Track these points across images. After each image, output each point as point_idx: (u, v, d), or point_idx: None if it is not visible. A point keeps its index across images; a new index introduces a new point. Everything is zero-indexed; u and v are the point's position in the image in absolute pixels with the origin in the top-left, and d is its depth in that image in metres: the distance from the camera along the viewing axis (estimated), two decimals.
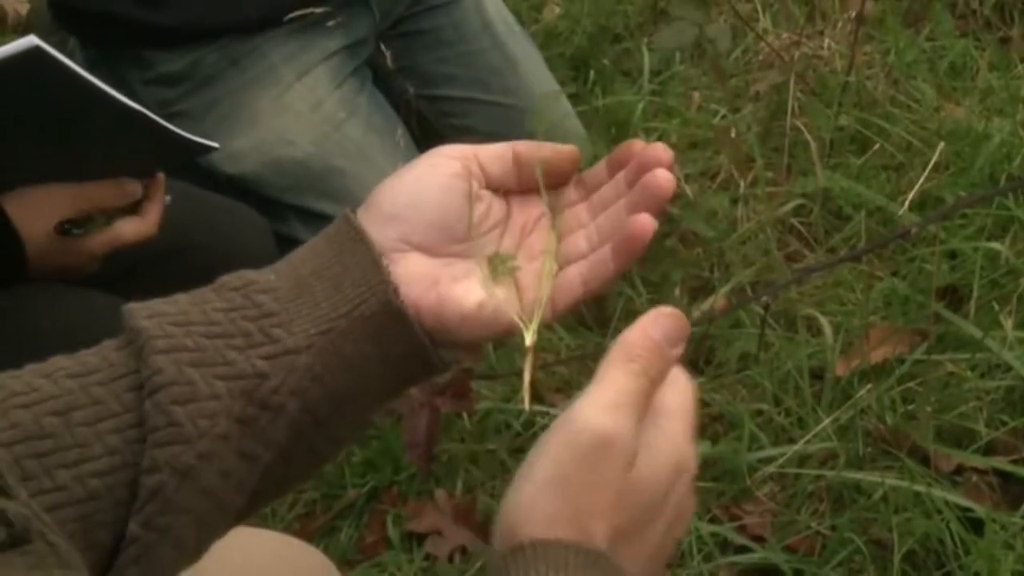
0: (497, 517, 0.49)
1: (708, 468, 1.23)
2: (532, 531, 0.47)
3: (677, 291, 1.40)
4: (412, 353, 0.56)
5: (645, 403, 0.51)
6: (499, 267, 0.58)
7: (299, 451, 0.55)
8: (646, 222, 0.57)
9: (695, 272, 1.45)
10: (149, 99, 1.29)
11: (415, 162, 0.59)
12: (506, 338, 0.59)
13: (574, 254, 0.59)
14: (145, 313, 0.54)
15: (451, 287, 0.57)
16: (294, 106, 1.32)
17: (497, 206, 0.60)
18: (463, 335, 0.57)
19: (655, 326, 0.52)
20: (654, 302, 1.22)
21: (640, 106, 1.66)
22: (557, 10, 1.86)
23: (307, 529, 1.22)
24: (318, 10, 1.30)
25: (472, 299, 0.57)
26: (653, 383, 0.51)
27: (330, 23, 1.32)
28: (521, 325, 0.56)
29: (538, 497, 0.48)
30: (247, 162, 1.31)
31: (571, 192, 0.61)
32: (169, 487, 0.51)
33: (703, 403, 1.28)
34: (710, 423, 1.29)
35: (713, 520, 1.18)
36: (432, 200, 0.58)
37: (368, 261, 0.55)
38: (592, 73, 1.76)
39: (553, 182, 0.60)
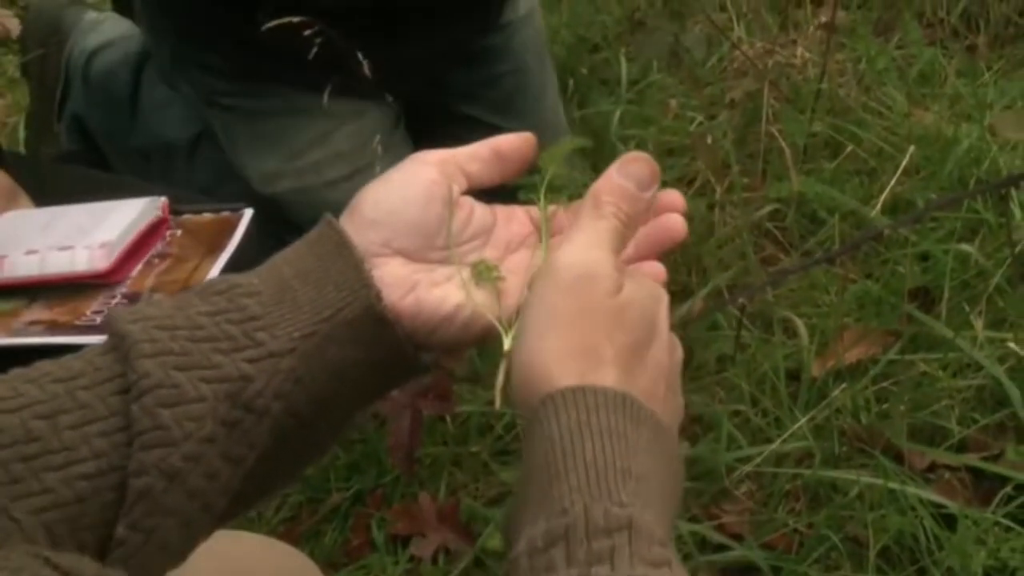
0: (511, 378, 0.53)
1: (687, 469, 1.24)
2: (551, 377, 0.50)
3: None
4: (394, 356, 0.57)
5: (620, 241, 0.55)
6: (483, 274, 0.59)
7: (283, 453, 0.56)
8: (680, 223, 0.59)
9: (673, 276, 1.47)
10: (198, 78, 1.28)
11: (396, 168, 0.60)
12: (485, 342, 0.60)
13: None
14: (130, 317, 0.54)
15: (430, 291, 0.58)
16: (338, 145, 1.30)
17: (480, 214, 0.61)
18: (441, 338, 0.58)
19: (622, 172, 0.56)
20: None
21: (618, 114, 1.69)
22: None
23: (292, 533, 1.23)
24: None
25: (450, 303, 0.58)
26: (625, 224, 0.56)
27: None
28: (500, 328, 0.57)
29: (542, 344, 0.52)
30: (279, 185, 1.29)
31: (562, 217, 0.62)
32: (156, 489, 0.51)
33: None
34: (689, 424, 1.31)
35: (692, 519, 1.20)
36: (413, 207, 0.58)
37: (350, 265, 0.56)
38: (571, 82, 1.78)
39: (514, 168, 0.62)
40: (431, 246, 0.59)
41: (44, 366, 0.53)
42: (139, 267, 0.89)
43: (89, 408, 0.51)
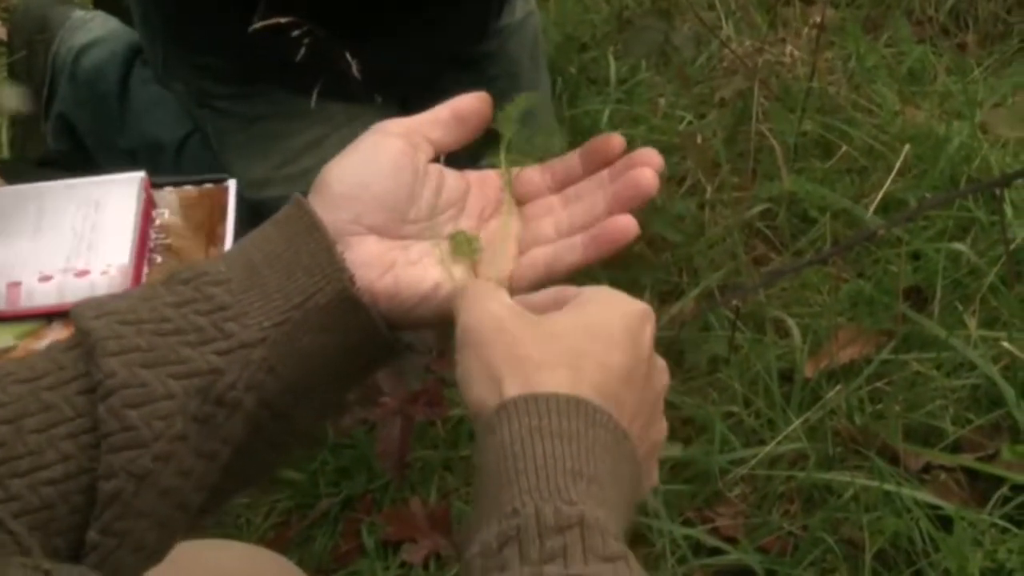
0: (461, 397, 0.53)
1: (680, 471, 1.23)
2: (499, 385, 0.50)
3: (647, 295, 1.41)
4: (370, 340, 0.56)
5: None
6: (462, 246, 0.58)
7: (259, 445, 0.54)
8: (629, 224, 0.57)
9: (664, 277, 1.46)
10: (191, 80, 1.26)
11: (360, 140, 0.59)
12: None
13: (541, 239, 0.60)
14: (93, 312, 0.52)
15: (407, 270, 0.57)
16: (330, 151, 1.29)
17: (453, 182, 0.60)
18: (419, 317, 0.57)
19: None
20: None
21: (607, 113, 1.67)
22: None
23: (282, 539, 1.21)
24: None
25: (428, 282, 0.57)
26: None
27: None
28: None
29: (486, 355, 0.52)
30: (267, 192, 1.27)
31: (536, 176, 0.61)
32: (127, 492, 0.50)
33: (673, 406, 1.29)
34: (681, 426, 1.29)
35: (686, 523, 1.19)
36: (381, 181, 0.57)
37: (321, 248, 0.54)
38: (560, 81, 1.77)
39: (475, 128, 0.60)
40: (404, 219, 0.58)
41: (6, 366, 0.52)
42: (146, 270, 0.89)
43: (54, 410, 0.50)
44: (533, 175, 0.61)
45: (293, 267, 0.54)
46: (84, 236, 0.87)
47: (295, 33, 1.05)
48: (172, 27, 1.28)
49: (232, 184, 0.94)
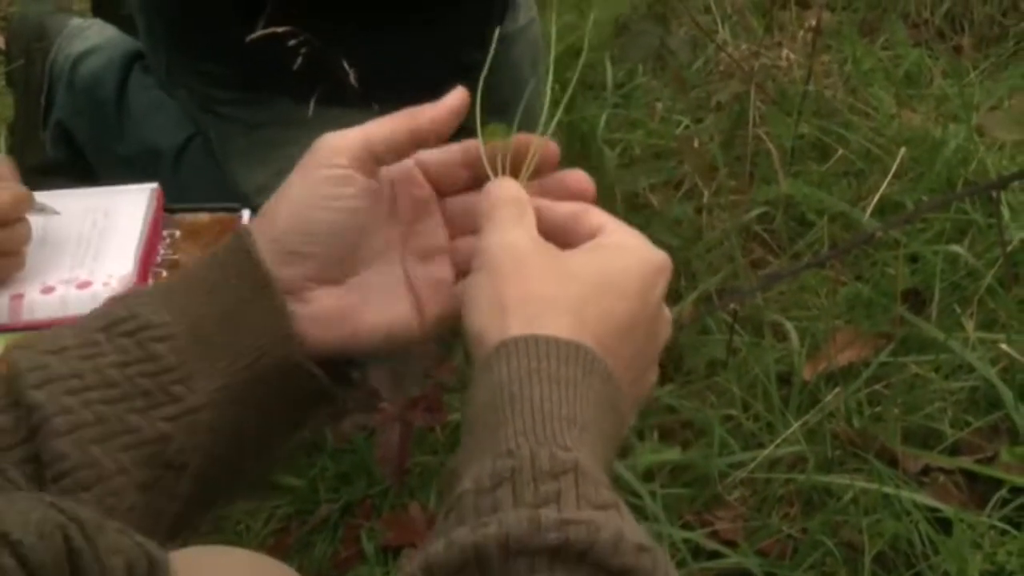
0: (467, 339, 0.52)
1: (679, 474, 1.23)
2: (502, 326, 0.50)
3: None
4: (319, 396, 0.55)
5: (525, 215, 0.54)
6: (495, 134, 0.57)
7: (210, 492, 0.54)
8: (584, 177, 0.57)
9: None
10: (195, 86, 1.26)
11: (304, 173, 0.56)
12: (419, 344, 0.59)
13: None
14: (35, 380, 0.50)
15: (362, 315, 0.56)
16: None
17: (383, 189, 0.58)
18: (378, 352, 0.57)
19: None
20: None
21: (604, 118, 1.68)
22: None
23: (282, 545, 1.21)
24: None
25: (384, 325, 0.56)
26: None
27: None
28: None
29: (493, 295, 0.51)
30: (268, 197, 1.27)
31: (462, 171, 0.59)
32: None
33: (672, 410, 1.29)
34: (680, 429, 1.30)
35: (686, 526, 1.19)
36: (338, 236, 0.55)
37: (270, 308, 0.53)
38: (556, 87, 1.77)
39: (430, 145, 0.59)
40: (353, 261, 0.57)
41: None
42: (150, 282, 0.89)
43: None
44: (458, 170, 0.59)
45: (240, 325, 0.53)
46: (91, 243, 0.87)
47: (292, 43, 1.05)
48: (176, 34, 1.28)
49: (246, 213, 0.94)
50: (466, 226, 0.58)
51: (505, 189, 0.56)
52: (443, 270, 0.58)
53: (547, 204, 0.56)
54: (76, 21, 1.54)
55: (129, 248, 0.87)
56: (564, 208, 0.56)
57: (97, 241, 0.87)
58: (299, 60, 1.21)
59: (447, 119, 0.58)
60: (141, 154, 1.40)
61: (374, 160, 0.57)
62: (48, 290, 0.84)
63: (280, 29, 1.18)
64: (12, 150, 1.62)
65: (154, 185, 0.92)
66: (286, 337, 0.53)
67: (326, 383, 0.55)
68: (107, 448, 0.50)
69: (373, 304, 0.57)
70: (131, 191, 0.93)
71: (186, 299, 0.54)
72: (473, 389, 0.50)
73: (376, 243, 0.57)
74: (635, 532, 0.43)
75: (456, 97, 0.58)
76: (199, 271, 0.55)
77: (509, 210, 0.54)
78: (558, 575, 0.42)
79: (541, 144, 0.57)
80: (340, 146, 0.56)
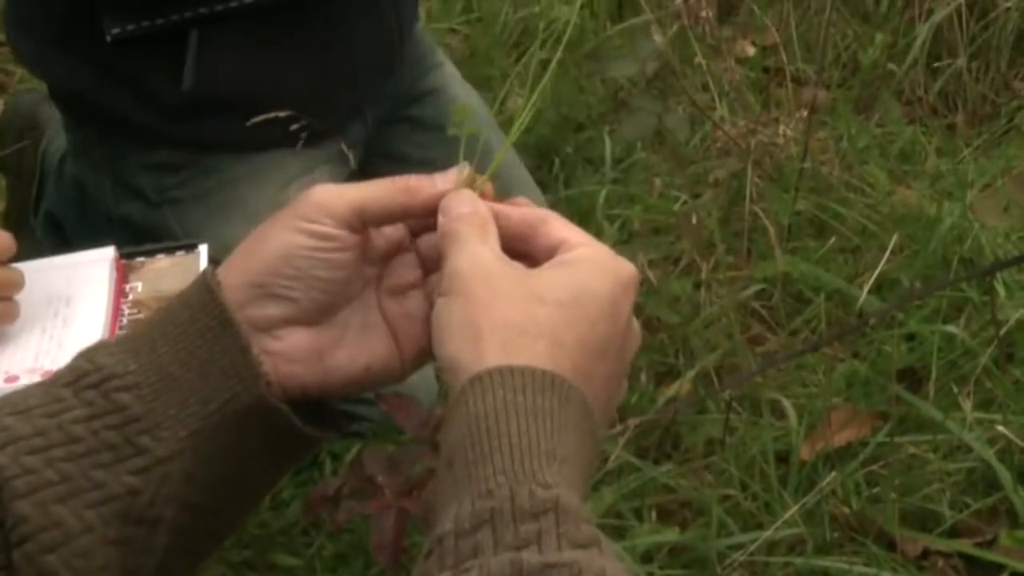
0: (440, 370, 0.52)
1: (677, 555, 1.23)
2: (478, 354, 0.49)
3: (643, 376, 1.42)
4: (294, 439, 0.54)
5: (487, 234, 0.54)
6: (460, 113, 0.57)
7: (188, 542, 0.53)
8: (526, 202, 0.57)
9: (660, 358, 1.47)
10: (146, 183, 1.29)
11: (288, 223, 0.54)
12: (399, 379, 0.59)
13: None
14: None
15: (335, 355, 0.56)
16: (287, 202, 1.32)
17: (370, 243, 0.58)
18: (353, 391, 0.57)
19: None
20: None
21: (603, 193, 1.70)
22: (520, 101, 1.90)
23: None
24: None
25: (358, 365, 0.56)
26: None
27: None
28: None
29: (463, 325, 0.50)
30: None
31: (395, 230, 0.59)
32: None
33: (670, 490, 1.29)
34: (678, 509, 1.29)
35: None
36: (318, 280, 0.54)
37: (236, 349, 0.52)
38: (556, 161, 1.80)
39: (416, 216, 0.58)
40: (330, 303, 0.56)
41: None
42: None
43: None
44: (392, 230, 0.59)
45: (208, 367, 0.51)
46: (54, 335, 0.85)
47: (294, 127, 1.08)
48: (116, 138, 1.30)
49: (203, 249, 0.91)
50: (439, 262, 0.57)
51: (464, 203, 0.55)
52: (418, 305, 0.58)
53: (504, 211, 0.55)
54: None
55: (95, 332, 0.85)
56: (520, 215, 0.55)
57: (61, 331, 0.86)
58: (300, 143, 1.25)
59: (436, 198, 0.57)
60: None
61: (362, 225, 0.56)
62: (12, 379, 0.81)
63: (282, 114, 1.23)
64: None
65: (111, 253, 0.89)
66: (255, 377, 0.51)
67: (298, 425, 0.53)
68: (72, 507, 0.48)
69: (350, 341, 0.56)
70: (89, 263, 0.89)
71: (152, 343, 0.52)
72: (449, 422, 0.49)
73: (353, 284, 0.57)
74: (617, 572, 0.43)
75: (453, 180, 0.57)
76: (165, 313, 0.54)
77: (471, 226, 0.54)
78: None
79: (482, 183, 0.57)
80: (329, 208, 0.55)
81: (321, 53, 1.28)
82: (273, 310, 0.54)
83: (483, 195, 0.57)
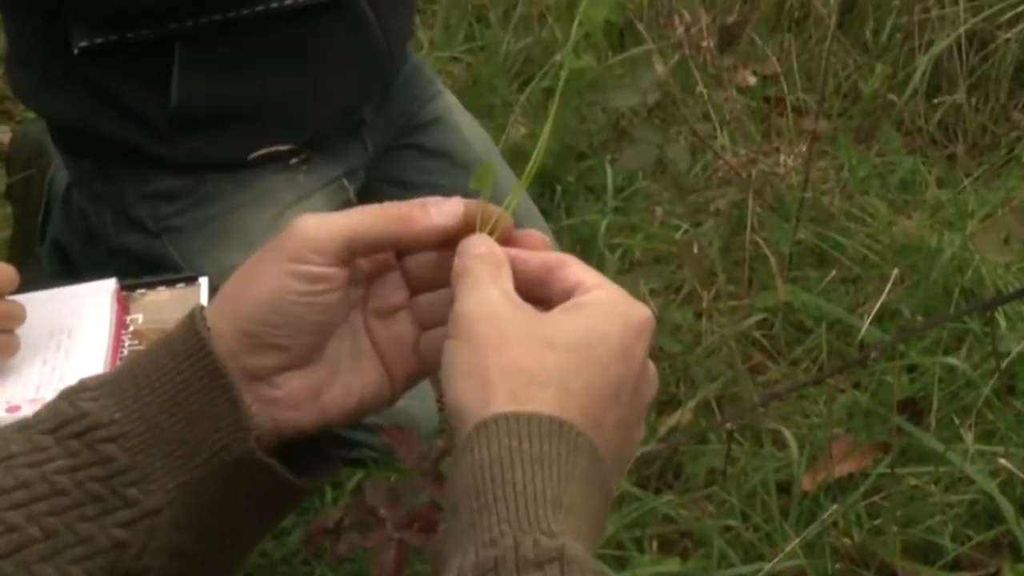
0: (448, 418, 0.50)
1: None
2: (485, 401, 0.48)
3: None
4: (284, 490, 0.53)
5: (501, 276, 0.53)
6: (482, 177, 0.57)
7: None
8: (539, 236, 0.56)
9: (661, 387, 1.46)
10: (144, 212, 1.30)
11: (275, 263, 0.53)
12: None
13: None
14: None
15: (331, 393, 0.55)
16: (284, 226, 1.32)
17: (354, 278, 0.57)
18: (351, 421, 0.56)
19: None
20: None
21: (604, 222, 1.70)
22: (523, 130, 1.91)
23: None
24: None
25: (353, 398, 0.55)
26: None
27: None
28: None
29: (469, 374, 0.49)
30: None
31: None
32: None
33: (670, 520, 1.29)
34: (679, 540, 1.29)
35: None
36: (309, 325, 0.53)
37: (226, 400, 0.51)
38: (558, 190, 1.81)
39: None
40: (323, 343, 0.55)
41: None
42: None
43: None
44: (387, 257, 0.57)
45: (196, 417, 0.50)
46: (56, 366, 0.85)
47: (293, 161, 1.09)
48: (113, 168, 1.31)
49: (204, 281, 0.92)
50: (426, 282, 0.57)
51: (479, 245, 0.54)
52: (406, 328, 0.57)
53: (522, 256, 0.54)
54: None
55: (96, 364, 0.85)
56: (539, 259, 0.54)
57: (63, 363, 0.86)
58: (296, 160, 1.27)
59: (438, 232, 0.55)
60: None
61: (352, 256, 0.54)
62: (14, 409, 0.82)
63: (283, 148, 1.24)
64: (9, 262, 1.63)
65: (113, 285, 0.90)
66: (245, 431, 0.50)
67: (288, 479, 0.53)
68: (56, 564, 0.47)
69: (343, 375, 0.55)
70: (90, 294, 0.90)
71: (137, 391, 0.51)
72: (455, 469, 0.48)
73: (340, 312, 0.55)
74: None
75: (450, 212, 0.55)
76: (151, 358, 0.52)
77: (485, 266, 0.53)
78: None
79: (502, 216, 0.56)
80: (319, 244, 0.53)
81: (302, 68, 1.29)
82: (268, 360, 0.53)
83: (502, 231, 0.56)
